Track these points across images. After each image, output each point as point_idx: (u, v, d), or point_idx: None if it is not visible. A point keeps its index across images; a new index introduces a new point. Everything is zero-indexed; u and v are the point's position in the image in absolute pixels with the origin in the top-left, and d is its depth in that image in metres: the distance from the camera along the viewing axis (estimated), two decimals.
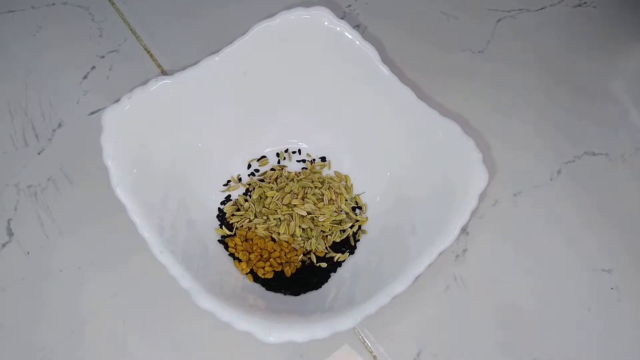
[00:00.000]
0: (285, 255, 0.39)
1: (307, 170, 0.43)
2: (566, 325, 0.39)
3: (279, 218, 0.40)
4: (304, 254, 0.39)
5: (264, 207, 0.41)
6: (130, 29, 0.49)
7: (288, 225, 0.40)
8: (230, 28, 0.49)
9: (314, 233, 0.40)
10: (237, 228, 0.40)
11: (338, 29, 0.39)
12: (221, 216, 0.40)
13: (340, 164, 0.43)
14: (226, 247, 0.39)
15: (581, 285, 0.40)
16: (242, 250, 0.39)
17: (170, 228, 0.35)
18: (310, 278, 0.38)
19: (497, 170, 0.44)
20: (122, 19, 0.49)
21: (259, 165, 0.43)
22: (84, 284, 0.39)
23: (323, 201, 0.41)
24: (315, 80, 0.42)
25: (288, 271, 0.38)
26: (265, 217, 0.40)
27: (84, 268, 0.39)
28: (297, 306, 0.36)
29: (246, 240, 0.39)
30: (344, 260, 0.39)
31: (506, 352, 0.38)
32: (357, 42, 0.39)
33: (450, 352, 0.38)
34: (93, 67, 0.47)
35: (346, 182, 0.42)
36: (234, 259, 0.39)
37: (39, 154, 0.43)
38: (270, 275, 0.38)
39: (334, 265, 0.39)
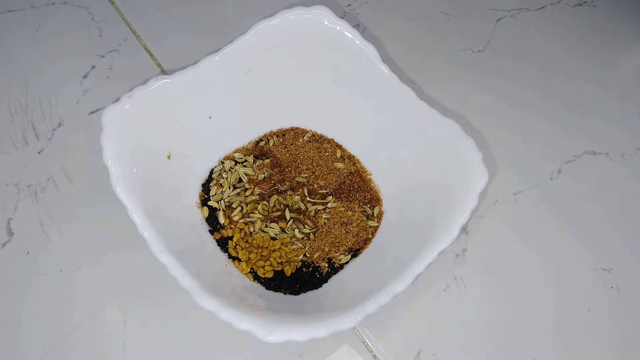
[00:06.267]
0: (285, 254, 0.39)
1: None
2: (566, 325, 0.39)
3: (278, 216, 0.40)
4: (304, 255, 0.39)
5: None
6: (130, 29, 0.49)
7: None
8: (230, 27, 0.49)
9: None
10: (237, 226, 0.40)
11: (338, 28, 0.39)
12: (213, 219, 0.40)
13: None
14: (226, 246, 0.39)
15: (581, 284, 0.40)
16: (242, 250, 0.39)
17: (170, 228, 0.35)
18: (310, 277, 0.38)
19: (498, 170, 0.44)
20: (122, 18, 0.49)
21: None
22: (84, 283, 0.39)
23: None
24: (315, 80, 0.42)
25: (288, 270, 0.38)
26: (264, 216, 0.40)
27: (84, 268, 0.39)
28: (297, 306, 0.36)
29: (246, 240, 0.39)
30: (346, 262, 0.39)
31: (506, 352, 0.38)
32: (357, 42, 0.39)
33: (450, 352, 0.38)
34: (93, 67, 0.47)
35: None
36: (234, 260, 0.39)
37: (39, 153, 0.43)
38: (270, 275, 0.38)
39: (334, 266, 0.39)
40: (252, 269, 0.38)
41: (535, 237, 0.42)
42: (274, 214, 0.40)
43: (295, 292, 0.38)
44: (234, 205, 0.40)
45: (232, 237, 0.39)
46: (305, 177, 0.41)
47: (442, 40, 0.50)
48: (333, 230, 0.40)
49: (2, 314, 0.37)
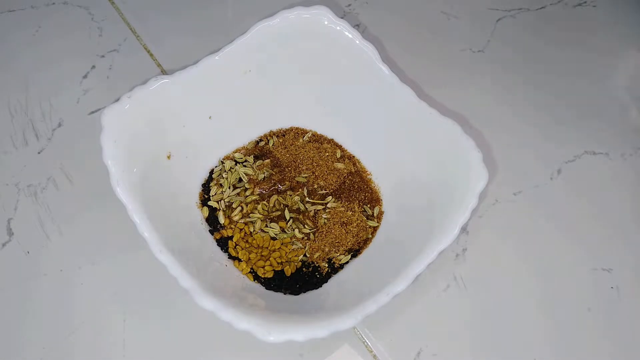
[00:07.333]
0: (285, 254, 0.39)
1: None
2: (566, 325, 0.39)
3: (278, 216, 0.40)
4: (304, 255, 0.39)
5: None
6: (130, 29, 0.49)
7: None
8: (230, 27, 0.49)
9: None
10: (237, 226, 0.40)
11: (338, 28, 0.39)
12: (213, 219, 0.40)
13: None
14: (226, 246, 0.39)
15: (581, 284, 0.40)
16: (242, 250, 0.39)
17: (170, 227, 0.35)
18: (310, 277, 0.38)
19: (498, 170, 0.44)
20: (122, 18, 0.49)
21: None
22: (84, 283, 0.39)
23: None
24: (314, 80, 0.42)
25: (288, 270, 0.38)
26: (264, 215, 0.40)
27: (84, 268, 0.39)
28: (297, 305, 0.36)
29: (246, 240, 0.39)
30: (346, 262, 0.39)
31: (506, 352, 0.38)
32: (357, 42, 0.39)
33: (450, 352, 0.38)
34: (93, 67, 0.47)
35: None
36: (234, 260, 0.39)
37: (39, 153, 0.43)
38: (270, 275, 0.38)
39: (334, 266, 0.39)
40: (252, 269, 0.38)
41: (535, 237, 0.42)
42: (274, 214, 0.40)
43: (295, 292, 0.38)
44: (234, 205, 0.40)
45: (232, 237, 0.39)
46: (305, 177, 0.41)
47: (442, 40, 0.50)
48: (333, 231, 0.40)
49: (2, 314, 0.37)
